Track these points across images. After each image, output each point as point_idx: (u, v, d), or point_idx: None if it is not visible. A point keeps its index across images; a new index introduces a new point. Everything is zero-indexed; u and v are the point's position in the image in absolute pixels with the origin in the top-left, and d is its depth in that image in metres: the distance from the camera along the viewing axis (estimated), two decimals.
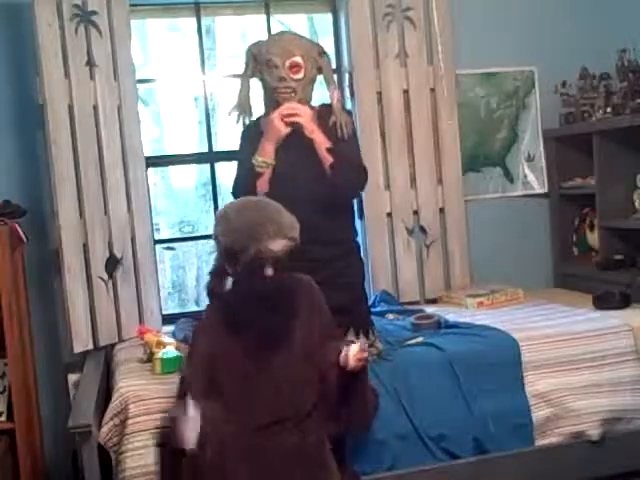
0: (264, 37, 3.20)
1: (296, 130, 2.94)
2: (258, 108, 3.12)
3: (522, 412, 2.96)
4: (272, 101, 2.99)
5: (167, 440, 2.32)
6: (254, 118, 3.11)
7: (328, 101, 3.05)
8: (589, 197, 3.93)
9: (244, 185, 2.96)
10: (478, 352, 3.02)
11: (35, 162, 3.68)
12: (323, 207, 2.90)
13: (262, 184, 2.94)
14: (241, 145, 3.13)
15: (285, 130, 2.91)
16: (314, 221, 2.82)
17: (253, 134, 3.04)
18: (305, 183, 2.91)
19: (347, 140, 3.00)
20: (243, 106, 3.09)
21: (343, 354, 2.44)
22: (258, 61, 3.01)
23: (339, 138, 2.96)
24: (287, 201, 2.74)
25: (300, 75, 2.93)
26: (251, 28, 4.55)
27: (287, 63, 2.91)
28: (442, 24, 3.93)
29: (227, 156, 4.07)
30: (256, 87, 3.09)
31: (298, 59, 2.92)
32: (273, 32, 3.82)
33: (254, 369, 2.46)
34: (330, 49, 4.06)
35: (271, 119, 2.93)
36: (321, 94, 3.19)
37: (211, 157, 4.06)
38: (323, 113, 3.02)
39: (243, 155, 3.07)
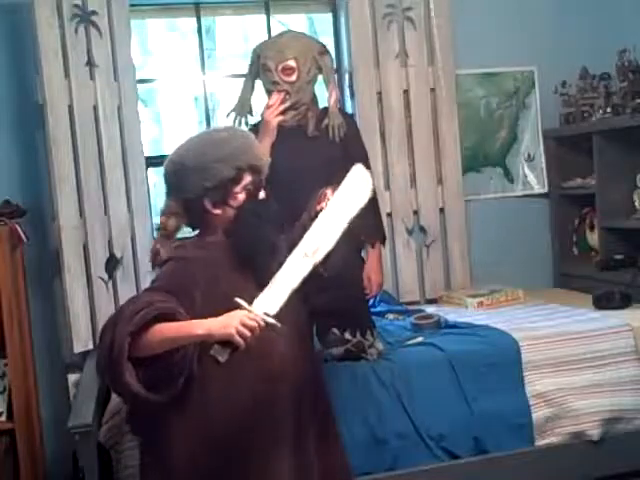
0: (267, 37, 3.19)
1: (296, 126, 2.94)
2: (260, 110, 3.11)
3: (522, 412, 2.96)
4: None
5: None
6: (254, 121, 3.10)
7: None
8: (589, 197, 3.93)
9: None
10: (478, 352, 3.02)
11: (35, 162, 3.68)
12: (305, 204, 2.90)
13: None
14: None
15: (274, 121, 2.88)
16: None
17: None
18: (305, 181, 2.90)
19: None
20: (242, 107, 3.09)
21: None
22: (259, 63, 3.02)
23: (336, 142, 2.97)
24: (286, 200, 2.74)
25: (293, 78, 2.92)
26: (251, 28, 4.55)
27: (280, 66, 2.92)
28: (442, 24, 3.93)
29: None
30: (260, 88, 3.08)
31: (291, 62, 2.92)
32: (274, 32, 3.83)
33: None
34: (330, 49, 4.05)
35: (263, 114, 2.93)
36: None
37: None
38: (320, 112, 3.02)
39: None
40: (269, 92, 2.98)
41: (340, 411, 2.55)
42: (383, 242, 3.21)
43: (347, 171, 2.95)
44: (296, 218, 2.61)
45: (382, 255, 3.24)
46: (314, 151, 2.94)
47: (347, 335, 2.92)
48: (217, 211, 2.11)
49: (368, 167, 3.11)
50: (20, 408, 3.21)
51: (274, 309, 1.92)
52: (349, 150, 3.00)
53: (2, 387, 3.28)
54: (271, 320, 1.90)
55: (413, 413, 2.86)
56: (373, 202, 3.13)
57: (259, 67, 3.00)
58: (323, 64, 3.00)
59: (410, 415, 2.86)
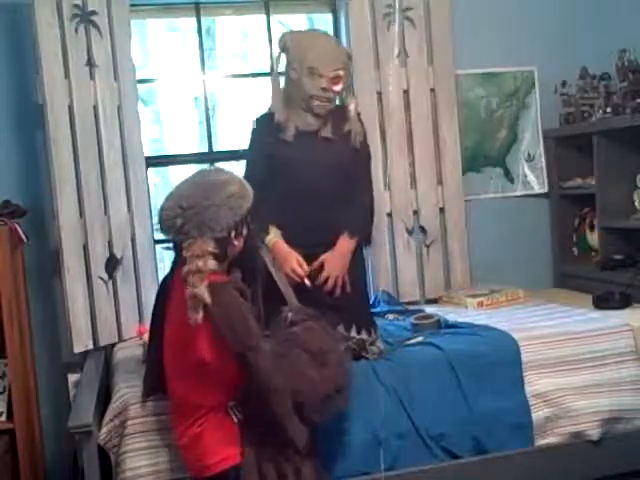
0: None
1: (306, 132, 2.94)
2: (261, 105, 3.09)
3: (522, 412, 2.96)
4: (303, 102, 2.93)
5: None
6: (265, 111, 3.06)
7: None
8: (589, 197, 3.93)
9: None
10: (478, 352, 3.02)
11: (35, 162, 3.68)
12: (325, 206, 2.90)
13: None
14: (251, 140, 3.08)
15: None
16: (317, 219, 2.85)
17: (265, 130, 3.01)
18: (309, 183, 2.91)
19: (362, 173, 3.04)
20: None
21: None
22: (293, 57, 2.93)
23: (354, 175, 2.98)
24: (291, 199, 2.77)
25: (339, 87, 2.93)
26: (251, 28, 4.55)
27: (331, 74, 2.89)
28: (442, 24, 3.93)
29: (227, 156, 4.07)
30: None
31: (341, 72, 2.92)
32: (274, 32, 3.84)
33: None
34: None
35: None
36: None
37: (211, 157, 4.06)
38: (336, 115, 3.00)
39: (252, 152, 3.06)
40: (312, 96, 2.90)
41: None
42: (362, 239, 3.08)
43: (352, 173, 2.97)
44: (306, 218, 2.66)
45: (350, 251, 2.99)
46: (328, 153, 2.94)
47: (353, 332, 2.92)
48: (236, 242, 2.39)
49: (369, 168, 3.13)
50: (20, 408, 3.21)
51: None
52: (359, 151, 3.02)
53: (2, 387, 3.28)
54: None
55: (413, 413, 2.86)
56: (368, 206, 3.11)
57: (303, 70, 2.90)
58: (350, 70, 3.04)
59: (410, 415, 2.86)
